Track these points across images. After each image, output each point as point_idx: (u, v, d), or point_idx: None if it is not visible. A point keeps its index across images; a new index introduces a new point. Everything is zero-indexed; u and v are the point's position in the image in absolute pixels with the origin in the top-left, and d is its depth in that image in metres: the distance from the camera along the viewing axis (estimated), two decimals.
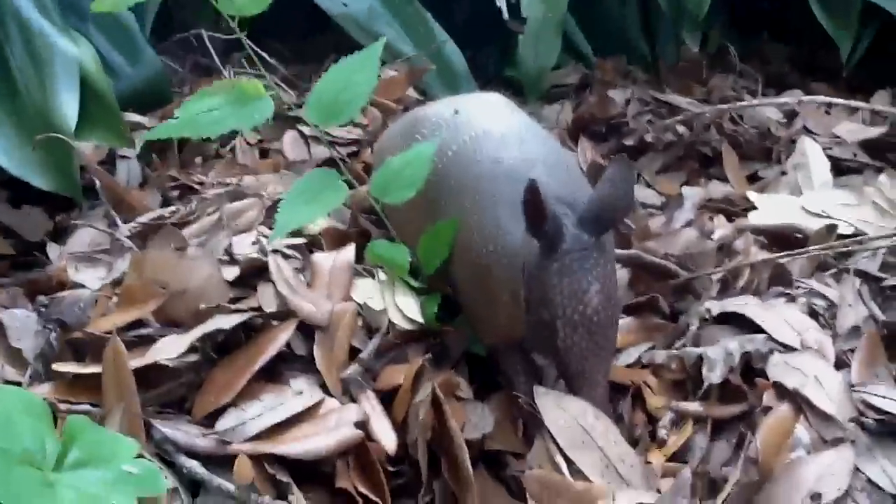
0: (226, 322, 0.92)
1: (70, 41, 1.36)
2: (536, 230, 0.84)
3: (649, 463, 0.84)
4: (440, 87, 1.83)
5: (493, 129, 0.99)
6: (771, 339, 0.95)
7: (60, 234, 1.28)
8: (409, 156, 1.01)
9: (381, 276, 1.05)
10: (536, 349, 0.95)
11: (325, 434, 0.85)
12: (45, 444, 0.62)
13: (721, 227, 1.37)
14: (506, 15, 1.90)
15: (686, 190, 1.44)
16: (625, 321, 1.10)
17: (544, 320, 0.85)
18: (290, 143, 1.58)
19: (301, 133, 1.59)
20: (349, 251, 1.05)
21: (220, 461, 0.79)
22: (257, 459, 0.80)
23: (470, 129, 1.00)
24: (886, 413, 0.82)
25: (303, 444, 0.83)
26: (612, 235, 1.01)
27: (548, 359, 0.98)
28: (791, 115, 1.86)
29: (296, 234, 1.14)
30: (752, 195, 1.47)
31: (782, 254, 1.18)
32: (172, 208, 1.22)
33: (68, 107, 1.31)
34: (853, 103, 1.66)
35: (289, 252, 1.08)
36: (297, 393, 0.89)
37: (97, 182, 1.29)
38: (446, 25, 1.94)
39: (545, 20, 1.89)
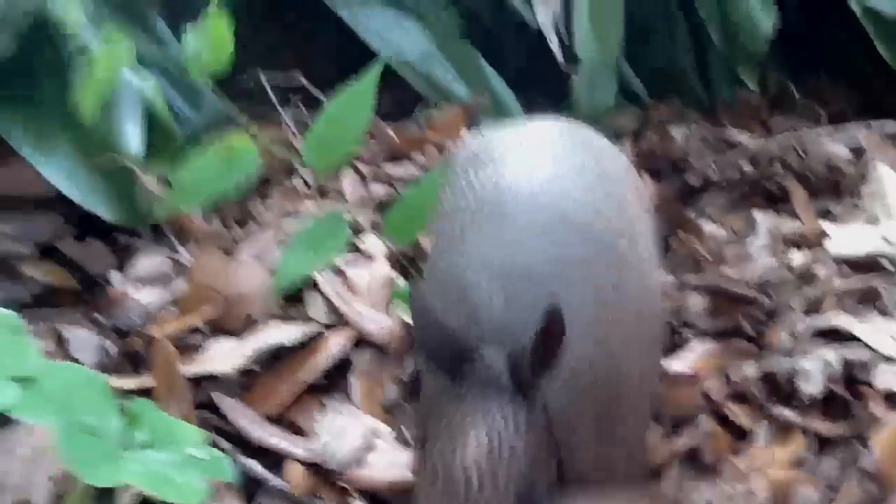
0: (285, 336, 0.89)
1: (132, 73, 1.37)
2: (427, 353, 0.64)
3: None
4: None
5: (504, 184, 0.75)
6: (870, 349, 0.87)
7: (123, 265, 1.27)
8: (419, 185, 0.90)
9: None
10: None
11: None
12: (108, 421, 0.58)
13: (798, 256, 1.30)
14: (560, 58, 1.90)
15: (757, 214, 1.38)
16: (707, 346, 1.03)
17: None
18: (348, 182, 1.57)
19: (358, 171, 1.58)
20: (383, 265, 1.01)
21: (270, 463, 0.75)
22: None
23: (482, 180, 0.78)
24: None
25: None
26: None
27: None
28: (859, 153, 1.80)
29: None
30: (826, 225, 1.40)
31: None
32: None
33: (132, 138, 1.32)
34: None
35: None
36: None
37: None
38: (501, 71, 1.95)
39: (599, 61, 1.87)
